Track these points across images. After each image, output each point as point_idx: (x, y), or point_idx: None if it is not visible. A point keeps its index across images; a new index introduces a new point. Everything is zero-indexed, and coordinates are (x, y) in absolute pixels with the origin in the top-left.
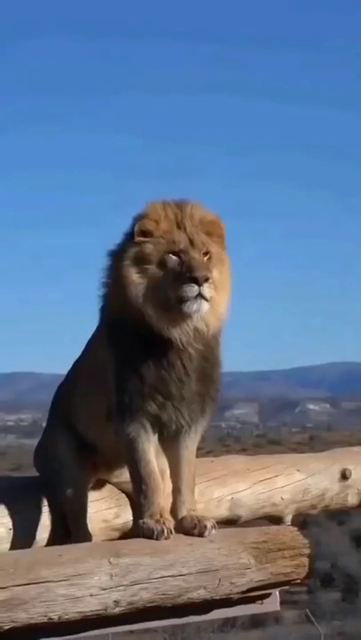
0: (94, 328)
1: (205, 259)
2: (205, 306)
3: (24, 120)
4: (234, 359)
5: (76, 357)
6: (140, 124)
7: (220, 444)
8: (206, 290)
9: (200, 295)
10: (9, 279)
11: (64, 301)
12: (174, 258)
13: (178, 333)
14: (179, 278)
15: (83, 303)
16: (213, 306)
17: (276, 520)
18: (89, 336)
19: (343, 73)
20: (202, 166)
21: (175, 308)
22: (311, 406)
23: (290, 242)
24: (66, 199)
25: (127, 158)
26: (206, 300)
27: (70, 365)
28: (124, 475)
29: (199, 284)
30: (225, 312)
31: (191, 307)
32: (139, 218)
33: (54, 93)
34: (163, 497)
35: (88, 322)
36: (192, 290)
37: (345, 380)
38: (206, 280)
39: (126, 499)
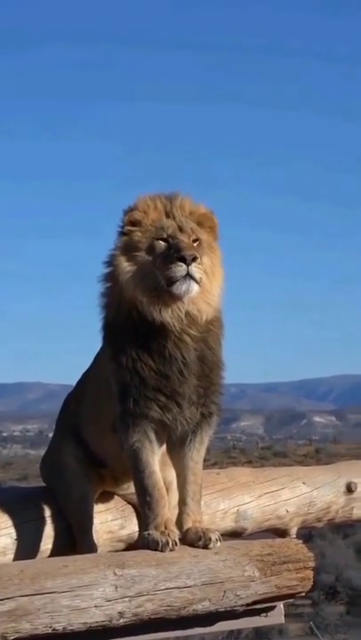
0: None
1: (195, 244)
2: (195, 287)
3: (25, 129)
4: (240, 371)
5: (84, 368)
6: (142, 133)
7: (225, 455)
8: (195, 270)
9: (189, 275)
10: (16, 289)
11: (71, 311)
12: (162, 243)
13: (170, 317)
14: (166, 259)
15: (90, 313)
16: (204, 292)
17: (281, 533)
18: (97, 346)
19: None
20: (204, 176)
21: (165, 291)
22: (317, 419)
23: (299, 254)
24: (81, 208)
25: (131, 167)
26: (195, 280)
27: (77, 375)
28: (131, 487)
29: (187, 264)
30: (217, 300)
31: (180, 287)
32: (128, 210)
33: (55, 101)
34: (168, 508)
35: (96, 332)
36: (180, 269)
37: (351, 392)
38: (194, 259)
39: (132, 510)
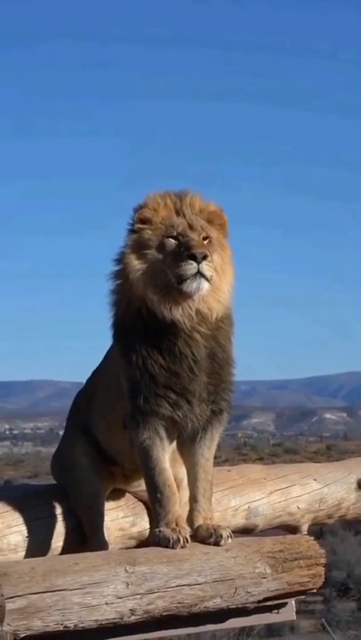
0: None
1: (205, 242)
2: (205, 284)
3: (30, 124)
4: (251, 368)
5: (95, 366)
6: (143, 130)
7: (236, 452)
8: (205, 268)
9: (199, 273)
10: (26, 286)
11: (81, 308)
12: (173, 241)
13: (180, 315)
14: (177, 257)
15: (100, 310)
16: (215, 289)
17: (292, 529)
18: (107, 344)
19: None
20: (205, 174)
21: (175, 289)
22: (328, 415)
23: (309, 252)
24: (91, 205)
25: (140, 165)
26: (206, 278)
27: (88, 373)
28: (141, 485)
29: (197, 262)
30: (228, 297)
31: (191, 285)
32: (138, 207)
33: (57, 98)
34: (179, 505)
35: (106, 329)
36: (191, 267)
37: None
38: (205, 258)
39: (143, 507)
